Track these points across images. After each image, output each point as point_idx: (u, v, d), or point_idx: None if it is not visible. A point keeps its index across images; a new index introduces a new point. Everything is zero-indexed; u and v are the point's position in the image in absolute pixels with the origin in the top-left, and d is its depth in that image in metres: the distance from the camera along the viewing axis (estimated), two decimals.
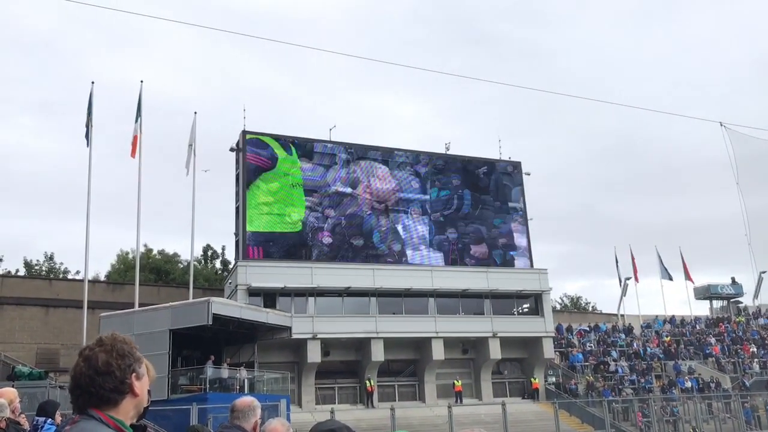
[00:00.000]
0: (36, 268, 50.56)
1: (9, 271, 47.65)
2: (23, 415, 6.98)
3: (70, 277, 48.32)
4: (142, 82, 35.08)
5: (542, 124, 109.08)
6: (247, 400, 4.02)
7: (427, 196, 43.60)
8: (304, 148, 41.04)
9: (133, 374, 2.31)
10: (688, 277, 54.55)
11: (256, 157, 39.55)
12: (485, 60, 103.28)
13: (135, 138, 34.39)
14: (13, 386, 18.00)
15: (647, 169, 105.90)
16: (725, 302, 57.18)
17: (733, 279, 56.61)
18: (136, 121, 34.62)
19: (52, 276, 48.55)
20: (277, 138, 40.57)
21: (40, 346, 37.25)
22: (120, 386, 2.27)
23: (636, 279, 52.14)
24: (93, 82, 33.62)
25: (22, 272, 48.86)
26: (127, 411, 2.30)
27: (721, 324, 52.20)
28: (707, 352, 47.73)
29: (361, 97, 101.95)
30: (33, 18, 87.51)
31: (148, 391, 2.46)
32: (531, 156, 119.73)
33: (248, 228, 38.15)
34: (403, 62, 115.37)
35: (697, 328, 51.81)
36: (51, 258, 51.70)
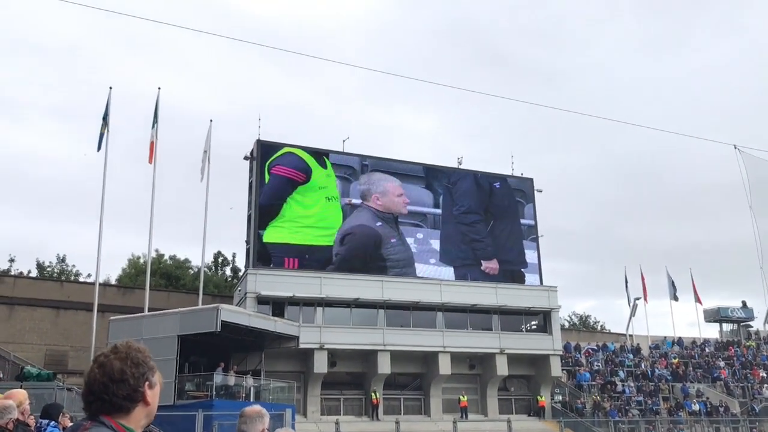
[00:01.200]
0: (48, 269, 50.94)
1: (21, 272, 48.05)
2: (32, 417, 7.08)
3: (81, 279, 48.64)
4: (159, 88, 35.48)
5: (555, 144, 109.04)
6: (255, 408, 4.12)
7: (439, 210, 43.64)
8: (319, 158, 41.25)
9: (146, 383, 2.34)
10: (697, 299, 54.27)
11: (289, 170, 39.87)
12: (500, 79, 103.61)
13: (152, 144, 34.72)
14: (21, 387, 18.18)
15: (660, 191, 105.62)
16: (735, 326, 56.76)
17: (743, 302, 56.24)
18: (153, 127, 34.97)
19: (63, 278, 48.87)
20: (309, 151, 40.77)
21: (49, 347, 37.50)
22: (133, 394, 2.30)
23: (645, 299, 51.96)
24: (111, 88, 34.07)
25: (34, 273, 49.26)
26: (138, 419, 2.33)
27: (730, 347, 51.81)
28: (716, 375, 47.35)
29: (374, 111, 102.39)
30: (54, 25, 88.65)
31: None
32: (543, 174, 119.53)
33: (284, 240, 38.50)
34: (418, 79, 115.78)
35: (706, 350, 51.44)
36: (63, 260, 52.12)
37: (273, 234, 38.55)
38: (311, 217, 39.58)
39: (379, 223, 41.62)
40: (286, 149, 40.26)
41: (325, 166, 40.83)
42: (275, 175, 39.55)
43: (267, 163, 39.58)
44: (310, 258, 38.97)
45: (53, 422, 7.30)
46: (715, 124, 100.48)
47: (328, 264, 39.37)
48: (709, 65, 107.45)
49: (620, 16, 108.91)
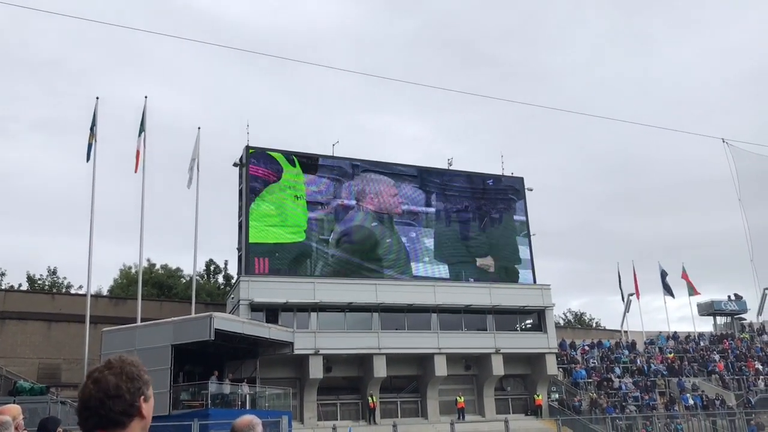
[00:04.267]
0: (39, 282, 50.57)
1: (12, 286, 47.68)
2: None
3: (72, 291, 48.32)
4: (146, 97, 35.27)
5: (543, 143, 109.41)
6: (246, 419, 4.00)
7: (432, 209, 43.70)
8: (309, 162, 41.20)
9: (142, 397, 2.34)
10: (694, 291, 54.38)
11: (262, 170, 39.80)
12: (484, 81, 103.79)
13: (138, 153, 34.50)
14: (14, 401, 17.98)
15: (649, 186, 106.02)
16: (729, 318, 56.93)
17: (736, 295, 56.39)
18: (140, 135, 34.75)
19: (54, 290, 48.53)
20: (283, 152, 40.79)
21: (42, 360, 37.18)
22: (129, 409, 2.30)
23: (637, 296, 52.05)
24: (98, 98, 33.82)
25: (24, 287, 48.88)
26: None
27: (725, 340, 51.96)
28: (711, 368, 47.47)
29: (363, 117, 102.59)
30: (41, 38, 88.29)
31: None
32: (532, 174, 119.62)
33: (251, 240, 38.30)
34: (404, 83, 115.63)
35: (701, 344, 51.57)
36: (54, 272, 51.75)
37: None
38: (275, 216, 39.51)
39: (374, 224, 41.66)
40: (254, 150, 40.14)
41: (295, 165, 40.75)
42: (254, 175, 39.54)
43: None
44: (280, 256, 38.86)
45: None
46: (701, 118, 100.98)
47: (301, 259, 39.23)
48: (695, 61, 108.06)
49: (600, 13, 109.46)
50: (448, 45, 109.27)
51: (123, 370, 2.33)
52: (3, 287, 45.66)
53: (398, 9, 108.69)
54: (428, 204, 43.75)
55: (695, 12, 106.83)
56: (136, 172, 34.37)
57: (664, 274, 53.70)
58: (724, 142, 33.98)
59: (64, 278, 51.92)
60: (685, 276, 54.30)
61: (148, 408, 2.37)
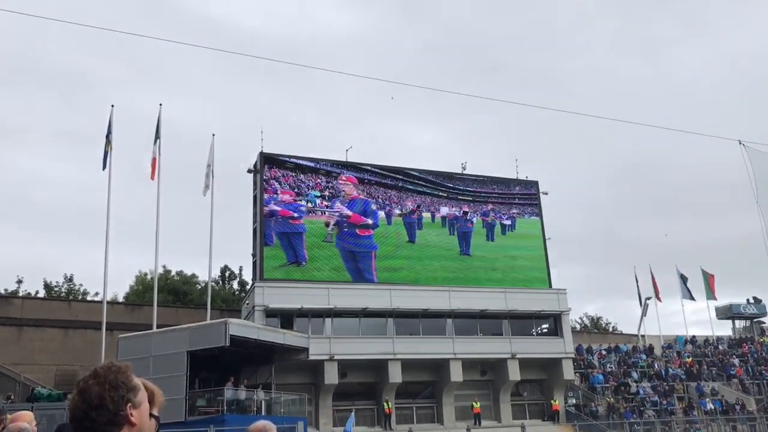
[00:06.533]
0: (56, 289, 50.88)
1: (29, 293, 48.00)
2: None
3: (89, 298, 48.57)
4: (161, 105, 35.54)
5: (558, 148, 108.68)
6: (259, 424, 3.97)
7: (445, 213, 43.63)
8: (320, 168, 41.23)
9: (128, 404, 2.26)
10: (712, 295, 53.84)
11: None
12: (499, 87, 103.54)
13: (154, 160, 34.70)
14: (32, 408, 18.06)
15: (665, 189, 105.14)
16: (747, 322, 56.31)
17: (755, 298, 55.76)
18: (155, 143, 34.96)
19: (71, 297, 48.81)
20: (299, 159, 40.87)
21: (59, 367, 37.38)
22: (114, 418, 2.22)
23: (658, 299, 51.66)
24: (113, 106, 34.09)
25: (41, 294, 49.20)
26: None
27: (744, 344, 51.37)
28: (731, 373, 46.92)
29: (376, 124, 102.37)
30: (57, 49, 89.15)
31: (156, 417, 2.43)
32: (547, 179, 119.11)
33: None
34: (419, 90, 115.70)
35: (720, 348, 51.01)
36: (71, 279, 52.01)
37: None
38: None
39: (387, 227, 41.70)
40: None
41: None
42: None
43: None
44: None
45: None
46: (717, 121, 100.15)
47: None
48: (711, 63, 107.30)
49: (613, 15, 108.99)
50: (463, 51, 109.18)
51: (107, 379, 2.26)
52: (20, 294, 45.98)
53: (412, 16, 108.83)
54: (441, 209, 43.76)
55: (709, 13, 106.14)
56: (152, 179, 34.56)
57: (684, 278, 53.20)
58: (740, 144, 33.60)
59: (81, 285, 52.22)
60: (711, 280, 53.66)
61: (138, 414, 2.28)
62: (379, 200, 42.21)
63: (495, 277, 43.39)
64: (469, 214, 44.30)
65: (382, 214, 41.87)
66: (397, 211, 42.42)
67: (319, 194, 40.72)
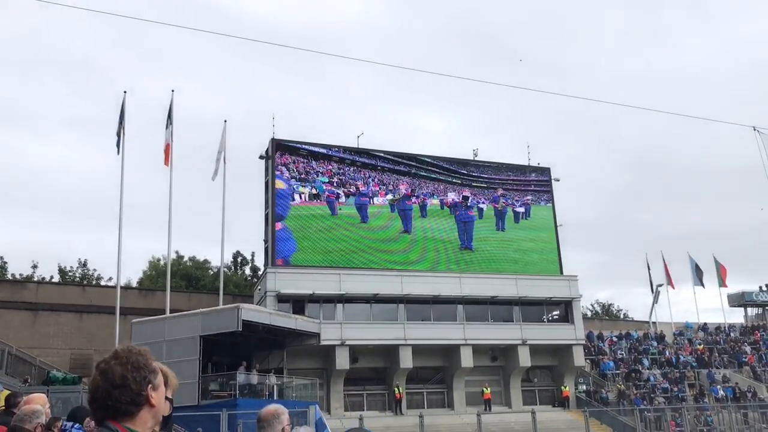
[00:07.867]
0: (70, 274, 51.36)
1: (44, 278, 48.50)
2: (59, 419, 7.12)
3: (103, 283, 49.01)
4: (173, 91, 35.59)
5: (570, 135, 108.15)
6: (271, 408, 4.05)
7: (458, 199, 43.59)
8: (332, 155, 41.29)
9: (149, 386, 2.35)
10: (723, 283, 53.59)
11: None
12: (510, 74, 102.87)
13: (167, 146, 34.85)
14: (47, 392, 18.34)
15: (677, 176, 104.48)
16: (760, 310, 56.02)
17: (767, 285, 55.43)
18: (167, 128, 35.09)
19: (85, 282, 49.28)
20: (311, 145, 40.96)
21: (73, 351, 37.84)
22: (136, 398, 2.31)
23: (672, 285, 51.51)
24: (125, 92, 34.23)
25: (56, 279, 49.69)
26: (144, 422, 2.35)
27: (756, 332, 51.16)
28: (742, 360, 46.78)
29: (388, 110, 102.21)
30: (70, 37, 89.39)
31: (170, 400, 2.52)
32: (560, 166, 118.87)
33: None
34: (430, 77, 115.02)
35: (732, 335, 50.84)
36: (85, 264, 52.45)
37: None
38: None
39: (399, 214, 41.75)
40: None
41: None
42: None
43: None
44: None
45: (77, 424, 7.31)
46: (730, 106, 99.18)
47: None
48: (723, 49, 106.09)
49: (624, 3, 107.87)
50: (474, 38, 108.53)
51: (129, 360, 2.35)
52: (35, 279, 46.47)
53: (424, 3, 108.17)
54: (453, 194, 43.71)
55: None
56: (166, 164, 34.75)
57: (696, 265, 52.94)
58: (755, 130, 33.28)
59: (95, 270, 52.65)
60: (723, 271, 53.37)
61: (157, 396, 2.38)
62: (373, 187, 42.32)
63: (506, 263, 43.43)
64: (470, 199, 44.05)
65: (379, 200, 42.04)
66: (390, 197, 42.43)
67: (327, 180, 40.76)
